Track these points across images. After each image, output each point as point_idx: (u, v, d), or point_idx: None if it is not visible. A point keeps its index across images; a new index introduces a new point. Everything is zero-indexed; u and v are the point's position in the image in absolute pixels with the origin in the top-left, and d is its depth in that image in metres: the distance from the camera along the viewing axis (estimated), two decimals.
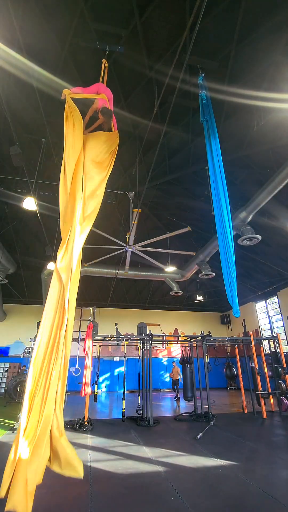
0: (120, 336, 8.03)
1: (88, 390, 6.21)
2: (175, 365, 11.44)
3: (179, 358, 9.54)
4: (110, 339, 8.40)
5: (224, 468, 3.86)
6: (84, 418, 6.38)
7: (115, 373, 14.76)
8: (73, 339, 7.94)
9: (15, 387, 10.29)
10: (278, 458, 4.30)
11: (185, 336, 8.79)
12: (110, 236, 8.94)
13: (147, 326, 8.53)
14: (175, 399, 11.04)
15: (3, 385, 13.19)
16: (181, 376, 10.98)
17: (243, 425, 6.75)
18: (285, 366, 8.46)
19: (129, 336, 8.49)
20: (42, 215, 7.04)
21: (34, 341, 7.30)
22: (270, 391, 8.07)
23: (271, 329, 14.04)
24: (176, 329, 16.95)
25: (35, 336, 7.34)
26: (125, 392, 7.66)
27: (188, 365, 8.56)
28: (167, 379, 14.87)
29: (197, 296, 15.04)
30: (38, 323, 8.72)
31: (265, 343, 13.27)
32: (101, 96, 3.78)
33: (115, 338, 8.00)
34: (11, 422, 6.15)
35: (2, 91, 5.13)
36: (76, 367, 7.52)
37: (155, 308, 16.93)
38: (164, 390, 14.86)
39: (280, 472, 3.78)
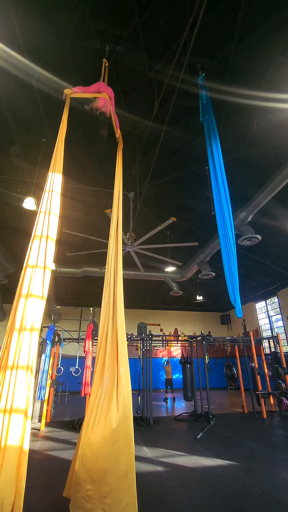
0: None
1: (88, 390, 6.21)
2: (168, 364, 11.65)
3: (179, 358, 9.55)
4: None
5: (224, 468, 3.86)
6: (84, 418, 6.37)
7: None
8: (73, 339, 7.99)
9: None
10: (278, 458, 4.30)
11: (185, 336, 8.79)
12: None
13: (147, 326, 8.53)
14: (172, 399, 11.10)
15: None
16: (172, 376, 11.28)
17: (243, 425, 6.75)
18: (285, 366, 8.46)
19: (129, 336, 8.49)
20: None
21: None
22: (270, 391, 8.07)
23: (271, 329, 14.04)
24: (176, 329, 16.95)
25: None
26: None
27: (188, 365, 8.56)
28: None
29: (197, 296, 15.04)
30: None
31: (265, 343, 13.28)
32: (103, 95, 3.78)
33: None
34: None
35: (2, 91, 5.13)
36: (76, 367, 7.53)
37: (155, 308, 16.93)
38: (163, 390, 14.86)
39: (280, 472, 3.78)
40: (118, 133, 4.14)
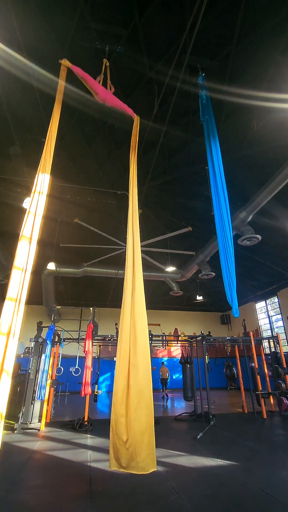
0: None
1: (88, 390, 6.21)
2: (163, 365, 11.91)
3: (179, 358, 9.56)
4: (110, 339, 8.40)
5: (224, 468, 3.86)
6: (84, 418, 6.37)
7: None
8: (73, 339, 7.99)
9: (15, 387, 10.28)
10: (278, 458, 4.30)
11: (185, 336, 8.79)
12: (110, 235, 8.95)
13: None
14: (166, 398, 11.34)
15: None
16: (168, 376, 11.66)
17: (243, 425, 6.75)
18: (285, 366, 8.46)
19: None
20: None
21: (35, 341, 7.30)
22: (270, 391, 8.07)
23: (271, 329, 14.04)
24: (176, 329, 16.95)
25: (35, 336, 7.36)
26: None
27: (188, 365, 8.56)
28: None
29: (197, 296, 15.04)
30: (38, 323, 8.61)
31: (265, 343, 13.28)
32: (98, 99, 3.76)
33: (115, 338, 7.99)
34: (11, 422, 6.15)
35: (2, 91, 5.13)
36: (76, 367, 7.52)
37: (155, 308, 16.93)
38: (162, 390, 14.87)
39: (280, 472, 3.78)
40: (134, 116, 4.02)
